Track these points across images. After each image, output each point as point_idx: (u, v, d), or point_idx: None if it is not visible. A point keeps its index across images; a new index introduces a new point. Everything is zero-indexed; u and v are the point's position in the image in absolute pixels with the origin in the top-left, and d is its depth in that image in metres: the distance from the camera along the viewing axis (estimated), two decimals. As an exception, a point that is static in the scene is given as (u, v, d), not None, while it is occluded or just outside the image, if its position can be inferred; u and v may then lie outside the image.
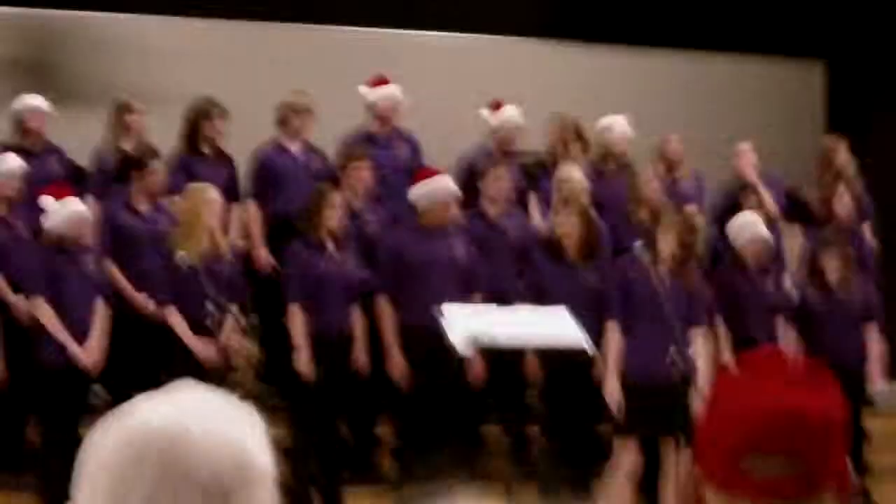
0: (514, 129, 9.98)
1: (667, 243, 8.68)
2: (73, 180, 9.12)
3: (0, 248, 8.63)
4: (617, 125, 10.22)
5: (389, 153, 9.70)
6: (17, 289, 8.60)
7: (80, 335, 8.24)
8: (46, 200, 8.28)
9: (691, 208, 10.00)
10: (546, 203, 9.70)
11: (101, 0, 11.15)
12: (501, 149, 9.94)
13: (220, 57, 11.21)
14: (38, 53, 10.97)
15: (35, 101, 9.39)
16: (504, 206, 9.38)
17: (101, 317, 8.37)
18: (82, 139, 9.58)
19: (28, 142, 9.30)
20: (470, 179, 9.55)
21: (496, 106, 10.00)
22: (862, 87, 12.68)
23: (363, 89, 9.80)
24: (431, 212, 8.87)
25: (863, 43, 12.64)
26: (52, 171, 9.24)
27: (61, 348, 8.18)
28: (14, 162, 8.81)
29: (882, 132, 11.71)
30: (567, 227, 8.98)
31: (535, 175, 9.98)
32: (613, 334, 8.52)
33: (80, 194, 8.64)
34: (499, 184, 9.32)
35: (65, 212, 8.29)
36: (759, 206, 9.81)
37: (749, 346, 9.03)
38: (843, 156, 10.30)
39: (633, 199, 9.62)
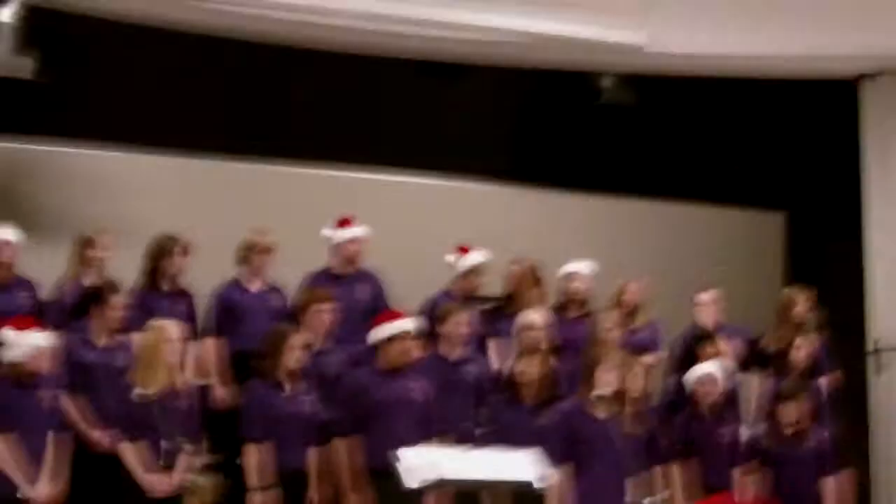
0: (479, 276, 10.08)
1: (608, 385, 8.75)
2: (39, 313, 9.10)
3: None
4: (579, 272, 10.35)
5: (352, 293, 9.74)
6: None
7: (34, 468, 8.18)
8: (6, 333, 8.25)
9: (647, 357, 10.08)
10: (505, 346, 9.76)
11: (68, 134, 11.25)
12: (465, 294, 10.02)
13: (183, 193, 11.29)
14: (2, 185, 11.03)
15: (5, 233, 9.39)
16: (463, 349, 9.42)
17: (54, 451, 8.31)
18: (44, 272, 9.57)
19: None
20: (433, 322, 9.57)
21: (462, 251, 10.09)
22: (820, 237, 12.87)
23: (327, 231, 9.87)
24: (391, 353, 8.90)
25: (822, 194, 12.84)
26: (19, 304, 9.21)
27: (13, 484, 8.12)
28: None
29: (840, 282, 11.82)
30: (526, 372, 9.03)
31: (494, 319, 10.07)
32: (554, 480, 8.35)
33: (40, 327, 8.60)
34: (458, 328, 9.38)
35: (24, 344, 8.27)
36: (717, 355, 9.86)
37: (706, 494, 9.11)
38: (801, 307, 10.40)
39: (592, 344, 9.66)
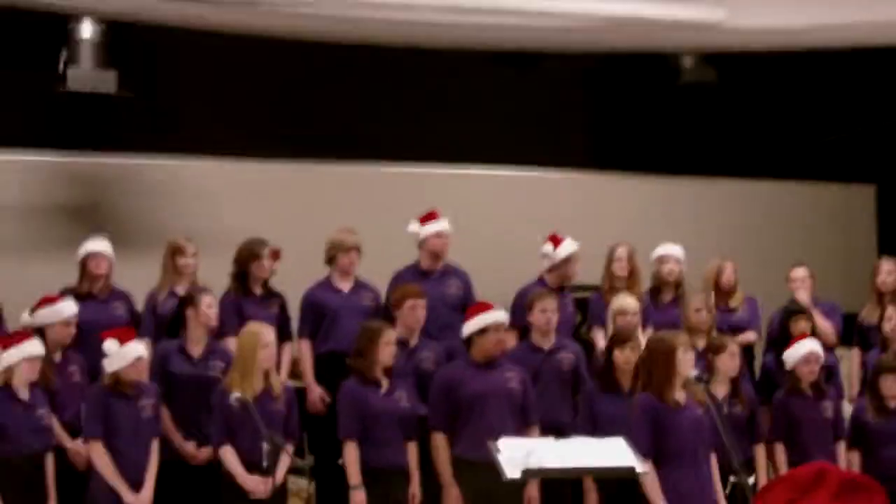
0: (573, 265, 10.00)
1: (727, 369, 8.89)
2: (135, 324, 9.20)
3: (55, 392, 8.66)
4: (671, 254, 10.26)
5: (441, 289, 9.71)
6: (71, 433, 8.68)
7: (134, 478, 8.28)
8: (109, 344, 8.34)
9: (745, 335, 10.00)
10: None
11: (154, 145, 11.37)
12: (559, 283, 9.97)
13: (269, 197, 11.37)
14: (92, 198, 11.16)
15: (100, 246, 9.48)
16: (555, 337, 9.37)
17: (155, 461, 8.41)
18: (135, 283, 9.66)
19: (93, 286, 9.40)
20: (526, 313, 9.51)
21: (555, 241, 10.03)
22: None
23: (413, 226, 9.86)
24: (484, 345, 8.88)
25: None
26: (116, 316, 9.31)
27: (114, 492, 8.22)
28: (68, 309, 8.88)
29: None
30: (622, 358, 8.94)
31: (596, 305, 10.05)
32: (646, 473, 8.07)
33: (138, 338, 8.67)
34: (546, 315, 9.30)
35: (125, 355, 8.35)
36: (813, 332, 9.75)
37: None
38: (888, 277, 10.26)
39: (685, 328, 9.57)
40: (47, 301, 8.88)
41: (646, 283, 10.29)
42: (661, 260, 10.30)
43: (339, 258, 9.65)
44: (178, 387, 8.86)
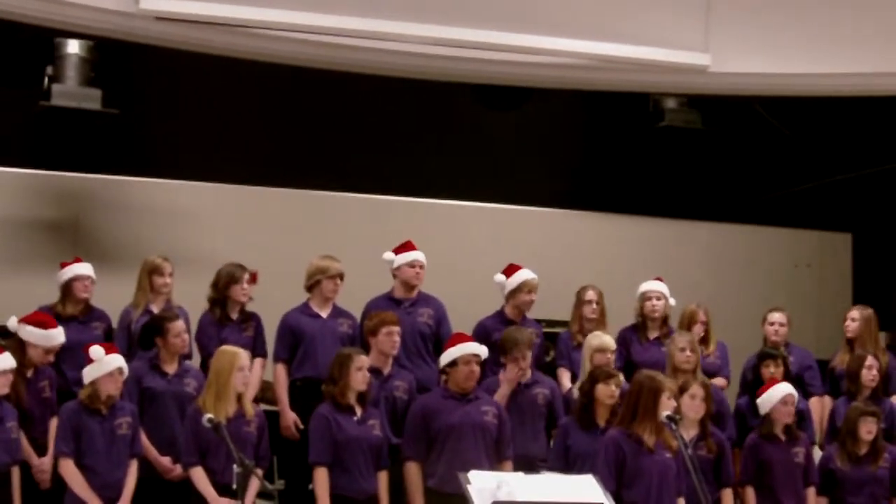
0: (527, 294, 9.94)
1: (689, 411, 8.85)
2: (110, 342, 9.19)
3: (25, 410, 8.60)
4: (655, 290, 10.25)
5: (412, 318, 9.69)
6: (38, 448, 8.66)
7: (108, 496, 8.25)
8: (94, 350, 8.32)
9: (715, 379, 10.01)
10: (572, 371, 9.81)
11: (134, 165, 11.35)
12: (517, 314, 9.94)
13: (247, 220, 11.37)
14: (72, 215, 11.13)
15: (86, 269, 9.47)
16: (531, 372, 9.37)
17: (133, 481, 8.39)
18: (110, 300, 9.62)
19: (75, 308, 9.39)
20: (486, 345, 9.45)
21: (510, 270, 10.02)
22: (888, 257, 12.76)
23: (388, 255, 9.86)
24: (456, 377, 8.88)
25: (887, 215, 12.74)
26: (95, 336, 9.32)
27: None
28: (57, 338, 8.81)
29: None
30: (607, 392, 8.92)
31: (564, 344, 10.04)
32: None
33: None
34: (525, 351, 9.29)
35: (108, 363, 8.33)
36: (785, 376, 9.76)
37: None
38: (865, 326, 10.30)
39: (670, 366, 9.56)
40: (40, 320, 8.82)
41: (626, 321, 10.28)
42: (646, 296, 10.28)
43: (323, 284, 9.59)
44: (154, 402, 8.85)
